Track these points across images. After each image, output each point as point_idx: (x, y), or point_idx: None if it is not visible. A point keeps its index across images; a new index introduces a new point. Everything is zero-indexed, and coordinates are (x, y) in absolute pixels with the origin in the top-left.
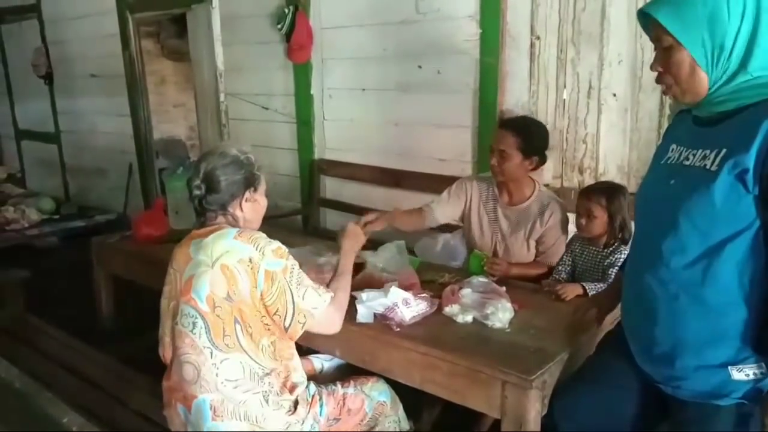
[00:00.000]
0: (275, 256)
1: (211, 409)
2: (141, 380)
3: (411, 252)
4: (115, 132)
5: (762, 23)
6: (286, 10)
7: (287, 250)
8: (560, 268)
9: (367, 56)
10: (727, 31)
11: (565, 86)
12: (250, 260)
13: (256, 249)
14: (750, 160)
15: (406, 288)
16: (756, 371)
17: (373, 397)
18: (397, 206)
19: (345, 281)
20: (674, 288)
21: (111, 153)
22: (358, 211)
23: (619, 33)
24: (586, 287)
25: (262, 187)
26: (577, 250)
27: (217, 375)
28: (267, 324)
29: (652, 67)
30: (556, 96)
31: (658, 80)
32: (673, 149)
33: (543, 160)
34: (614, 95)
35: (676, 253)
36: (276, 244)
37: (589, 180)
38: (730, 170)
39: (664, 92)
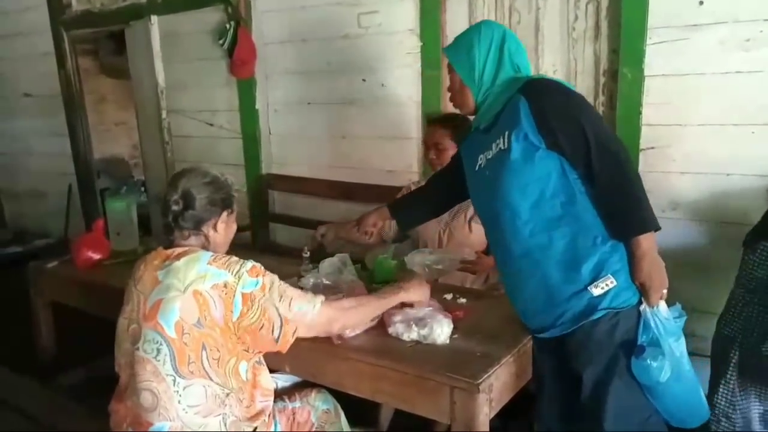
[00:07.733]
0: (251, 276)
1: None
2: (82, 412)
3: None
4: (53, 153)
5: (504, 55)
6: (228, 26)
7: (262, 267)
8: None
9: (311, 70)
10: (477, 59)
11: None
12: (225, 285)
13: (232, 274)
14: (526, 126)
15: None
16: (608, 282)
17: (317, 407)
18: (346, 218)
19: (372, 304)
20: (530, 252)
21: (49, 175)
22: (308, 225)
23: (552, 44)
24: None
25: (235, 213)
26: None
27: (179, 402)
28: (245, 348)
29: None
30: None
31: (450, 99)
32: (480, 158)
33: None
34: None
35: (518, 225)
36: (250, 263)
37: None
38: (517, 139)
39: (453, 106)
